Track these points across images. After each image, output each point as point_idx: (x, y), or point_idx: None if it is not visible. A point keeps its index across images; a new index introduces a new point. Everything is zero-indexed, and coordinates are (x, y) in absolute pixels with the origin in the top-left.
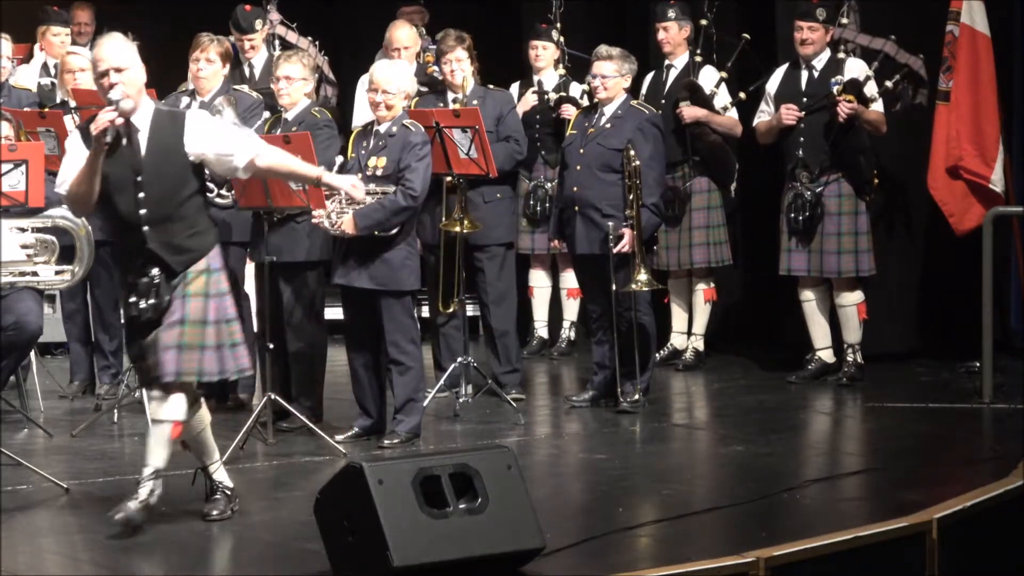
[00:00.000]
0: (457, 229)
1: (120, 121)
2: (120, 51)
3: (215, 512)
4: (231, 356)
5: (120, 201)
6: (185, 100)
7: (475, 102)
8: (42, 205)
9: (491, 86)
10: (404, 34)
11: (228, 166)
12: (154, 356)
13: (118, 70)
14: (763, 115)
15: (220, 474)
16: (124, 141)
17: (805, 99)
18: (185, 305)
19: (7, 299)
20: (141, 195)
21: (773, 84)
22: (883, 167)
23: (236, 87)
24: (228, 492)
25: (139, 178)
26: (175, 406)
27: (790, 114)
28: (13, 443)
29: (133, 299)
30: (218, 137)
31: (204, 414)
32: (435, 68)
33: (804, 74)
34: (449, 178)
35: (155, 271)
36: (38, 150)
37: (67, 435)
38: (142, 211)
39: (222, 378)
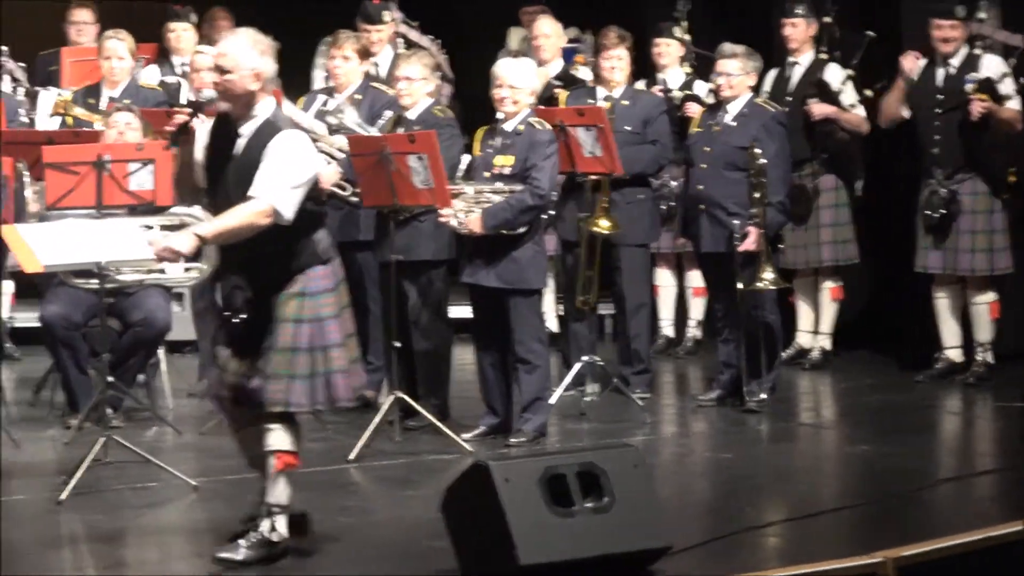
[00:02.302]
0: (597, 229)
1: (199, 120)
2: (232, 52)
3: (224, 554)
4: (322, 386)
5: (215, 202)
6: (322, 98)
7: (625, 102)
8: (169, 203)
9: (643, 87)
10: (546, 24)
11: None
12: (245, 380)
13: (221, 71)
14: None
15: (280, 524)
16: (233, 143)
17: (941, 96)
18: (276, 331)
19: (136, 296)
20: (227, 201)
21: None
22: (1021, 165)
23: (373, 84)
24: (269, 544)
25: (227, 184)
26: (276, 436)
27: (910, 59)
28: (142, 440)
29: (227, 313)
30: (266, 169)
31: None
32: (577, 67)
33: (940, 71)
34: (592, 177)
35: (242, 282)
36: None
37: (195, 433)
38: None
39: (314, 409)
